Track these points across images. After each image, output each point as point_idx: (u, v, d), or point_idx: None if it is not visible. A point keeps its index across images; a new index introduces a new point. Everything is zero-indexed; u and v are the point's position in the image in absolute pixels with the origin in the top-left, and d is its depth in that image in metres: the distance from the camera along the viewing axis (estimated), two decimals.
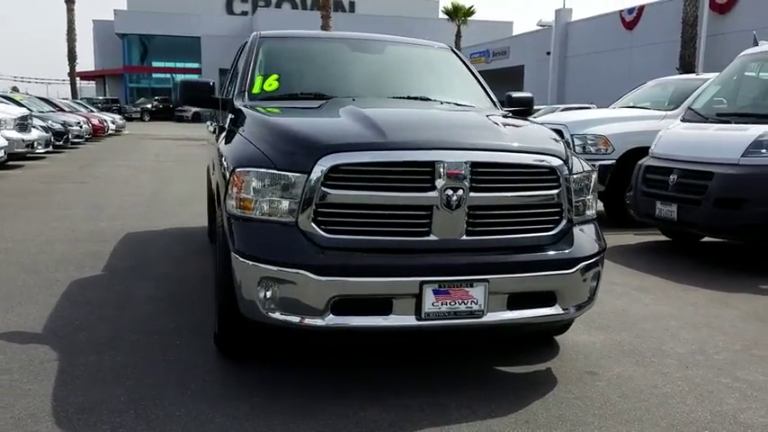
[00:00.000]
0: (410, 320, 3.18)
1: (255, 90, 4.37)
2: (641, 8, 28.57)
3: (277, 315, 3.19)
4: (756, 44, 8.00)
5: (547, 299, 3.39)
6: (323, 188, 3.13)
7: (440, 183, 3.17)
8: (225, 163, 3.58)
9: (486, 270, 3.23)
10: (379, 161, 3.16)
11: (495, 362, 3.88)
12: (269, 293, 3.18)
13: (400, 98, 4.47)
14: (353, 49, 4.95)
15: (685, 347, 4.22)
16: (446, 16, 40.19)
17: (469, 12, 39.33)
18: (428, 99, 4.50)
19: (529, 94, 5.01)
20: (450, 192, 3.17)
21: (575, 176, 3.50)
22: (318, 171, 3.12)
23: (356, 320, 3.17)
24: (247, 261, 3.21)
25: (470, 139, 3.37)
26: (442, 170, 3.17)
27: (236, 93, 4.40)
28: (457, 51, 5.25)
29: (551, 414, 3.22)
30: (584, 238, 3.56)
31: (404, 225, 3.21)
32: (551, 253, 3.39)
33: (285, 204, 3.20)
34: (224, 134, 4.20)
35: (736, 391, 3.57)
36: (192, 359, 3.79)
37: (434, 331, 3.29)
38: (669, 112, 8.98)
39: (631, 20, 28.95)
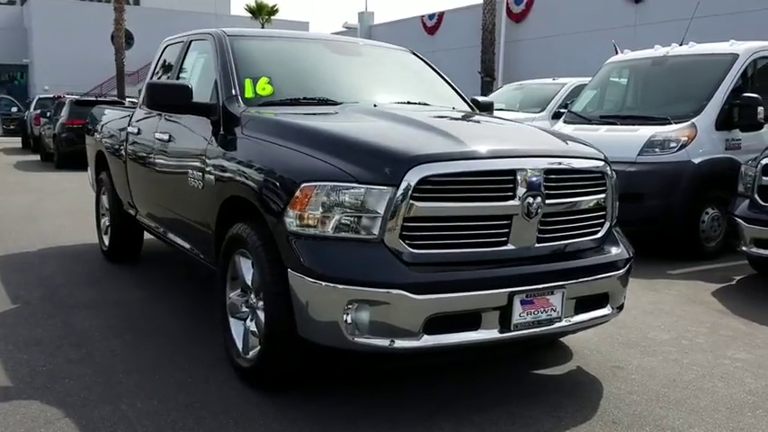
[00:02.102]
0: (494, 333, 3.11)
1: (248, 95, 3.98)
2: (441, 14, 30.18)
3: (364, 339, 2.95)
4: (617, 53, 8.81)
5: (601, 300, 3.48)
6: (411, 201, 2.95)
7: (521, 191, 3.13)
8: (272, 176, 3.23)
9: (562, 276, 3.25)
10: (465, 171, 3.06)
11: (527, 367, 3.91)
12: (357, 317, 2.93)
13: (403, 103, 4.32)
14: (332, 50, 4.68)
15: (666, 334, 4.56)
16: (248, 14, 39.35)
17: (273, 10, 38.93)
18: (427, 104, 4.41)
19: (491, 100, 5.12)
20: (530, 200, 3.15)
21: (613, 180, 3.64)
22: (407, 183, 2.94)
23: (448, 338, 3.03)
24: (327, 283, 2.92)
25: (542, 146, 3.39)
26: (521, 178, 3.13)
27: (225, 98, 3.96)
28: (417, 54, 5.19)
29: (627, 412, 3.32)
30: (622, 239, 3.71)
31: (485, 236, 3.13)
32: (606, 255, 3.50)
33: (367, 220, 2.97)
34: (224, 144, 3.78)
35: (744, 370, 3.92)
36: (226, 396, 3.37)
37: (515, 342, 3.25)
38: (537, 115, 9.62)
39: (432, 25, 30.47)
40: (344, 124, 3.59)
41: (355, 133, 3.32)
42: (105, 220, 6.51)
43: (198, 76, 4.55)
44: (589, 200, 3.46)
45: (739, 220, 5.76)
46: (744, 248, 5.77)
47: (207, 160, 3.87)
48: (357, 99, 4.13)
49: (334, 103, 4.04)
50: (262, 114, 3.74)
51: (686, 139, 6.76)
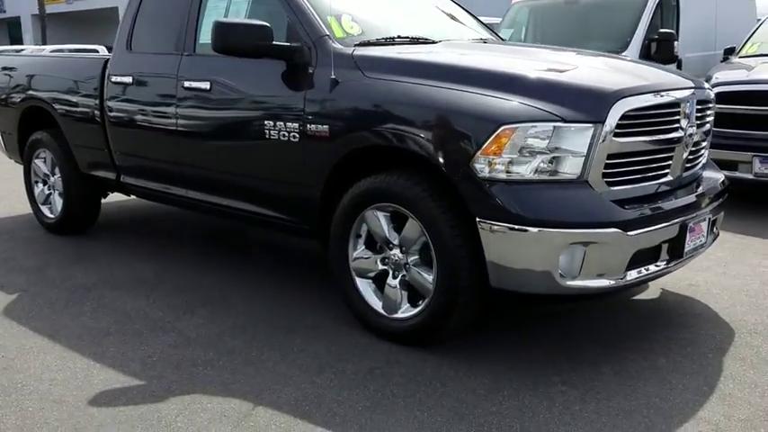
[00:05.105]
0: (664, 263, 3.20)
1: (339, 35, 3.59)
2: None
3: (576, 282, 2.91)
4: None
5: (714, 225, 3.70)
6: (613, 138, 2.92)
7: (684, 122, 3.23)
8: (451, 120, 2.98)
9: (708, 203, 3.43)
10: (654, 104, 3.09)
11: (622, 298, 4.07)
12: (571, 260, 2.87)
13: (476, 41, 4.18)
14: None
15: None
16: None
17: None
18: (486, 41, 4.30)
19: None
20: (690, 129, 3.27)
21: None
22: (612, 119, 2.90)
23: (640, 272, 3.07)
24: (541, 228, 2.82)
25: (683, 78, 3.48)
26: (682, 109, 3.23)
27: (314, 39, 3.53)
28: None
29: (752, 321, 3.62)
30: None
31: (656, 168, 3.19)
32: (718, 180, 3.71)
33: (570, 160, 2.89)
34: (339, 88, 3.36)
35: None
36: (396, 360, 3.14)
37: (668, 272, 3.36)
38: None
39: None
40: (507, 62, 3.40)
41: (534, 71, 3.15)
42: (43, 189, 5.59)
43: (245, 16, 3.99)
44: (709, 128, 3.65)
45: None
46: None
47: (308, 109, 3.46)
48: (443, 36, 3.92)
49: (427, 41, 3.80)
50: (391, 55, 3.42)
51: None
